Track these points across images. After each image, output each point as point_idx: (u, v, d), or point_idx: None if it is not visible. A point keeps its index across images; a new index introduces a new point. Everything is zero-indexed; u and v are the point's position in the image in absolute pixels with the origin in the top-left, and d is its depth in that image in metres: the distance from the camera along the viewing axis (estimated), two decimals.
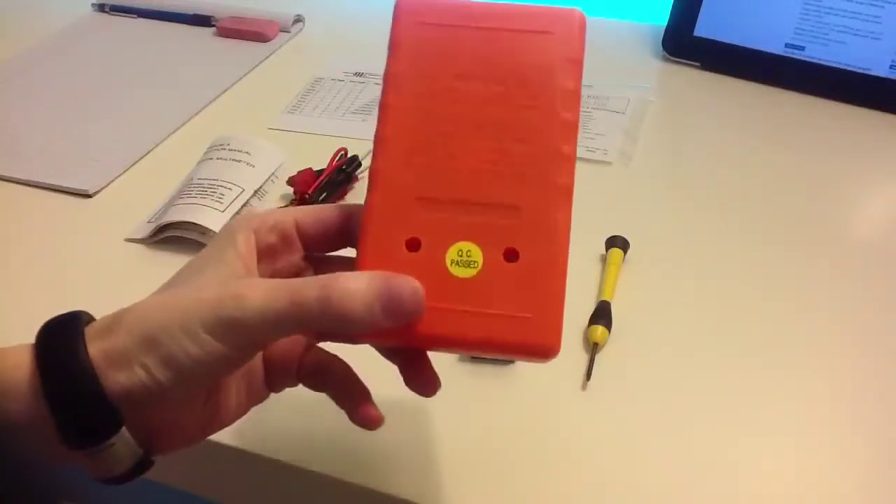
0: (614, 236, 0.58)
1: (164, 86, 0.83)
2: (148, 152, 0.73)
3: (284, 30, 0.92)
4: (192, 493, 0.53)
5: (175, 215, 0.61)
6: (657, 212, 0.64)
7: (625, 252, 0.57)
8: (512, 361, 0.51)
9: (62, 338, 0.33)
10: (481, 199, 0.34)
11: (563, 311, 0.33)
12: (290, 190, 0.64)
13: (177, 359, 0.32)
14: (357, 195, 0.66)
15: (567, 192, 0.34)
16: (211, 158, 0.66)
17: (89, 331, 0.33)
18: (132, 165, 0.71)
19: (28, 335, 0.34)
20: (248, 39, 0.90)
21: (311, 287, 0.32)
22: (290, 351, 0.39)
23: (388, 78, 0.36)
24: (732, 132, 0.73)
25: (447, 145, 0.35)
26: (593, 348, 0.51)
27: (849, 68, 0.76)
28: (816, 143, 0.71)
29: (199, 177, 0.64)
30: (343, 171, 0.65)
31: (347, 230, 0.37)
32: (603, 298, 0.54)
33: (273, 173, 0.68)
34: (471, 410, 0.48)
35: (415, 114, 0.35)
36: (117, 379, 0.32)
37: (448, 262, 0.34)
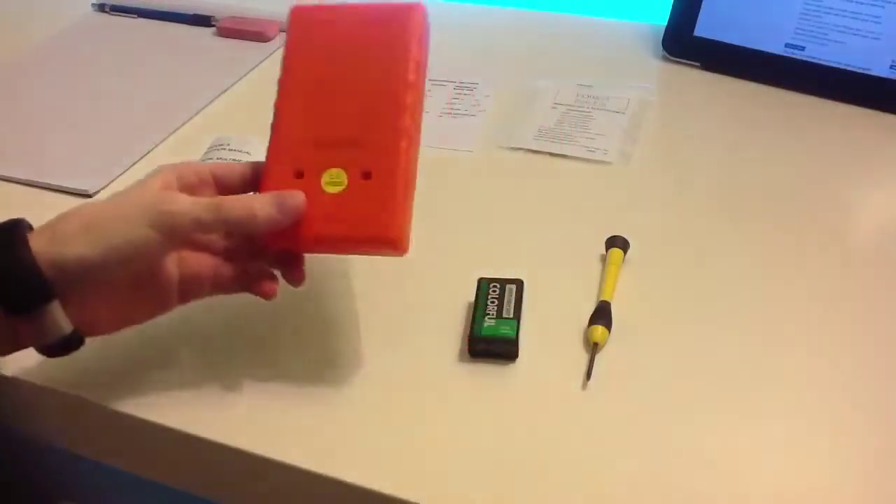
0: (614, 236, 0.58)
1: (164, 86, 0.83)
2: (148, 152, 0.73)
3: (284, 30, 0.91)
4: (191, 493, 0.53)
5: None
6: (657, 212, 0.64)
7: (625, 252, 0.57)
8: (512, 360, 0.51)
9: (4, 227, 0.42)
10: (346, 138, 0.48)
11: (407, 215, 0.46)
12: None
13: (113, 238, 0.42)
14: None
15: (405, 131, 0.47)
16: (211, 158, 0.66)
17: (32, 230, 0.43)
18: (132, 165, 0.71)
19: None
20: (248, 39, 0.90)
21: (230, 199, 0.45)
22: (204, 266, 0.48)
23: (283, 64, 0.50)
24: (732, 132, 0.73)
25: (324, 103, 0.49)
26: (593, 348, 0.51)
27: (849, 68, 0.76)
28: (816, 143, 0.71)
29: None
30: None
31: (251, 179, 0.49)
32: (603, 298, 0.54)
33: None
34: (471, 410, 0.48)
35: (300, 85, 0.50)
36: (53, 257, 0.41)
37: (323, 183, 0.47)
